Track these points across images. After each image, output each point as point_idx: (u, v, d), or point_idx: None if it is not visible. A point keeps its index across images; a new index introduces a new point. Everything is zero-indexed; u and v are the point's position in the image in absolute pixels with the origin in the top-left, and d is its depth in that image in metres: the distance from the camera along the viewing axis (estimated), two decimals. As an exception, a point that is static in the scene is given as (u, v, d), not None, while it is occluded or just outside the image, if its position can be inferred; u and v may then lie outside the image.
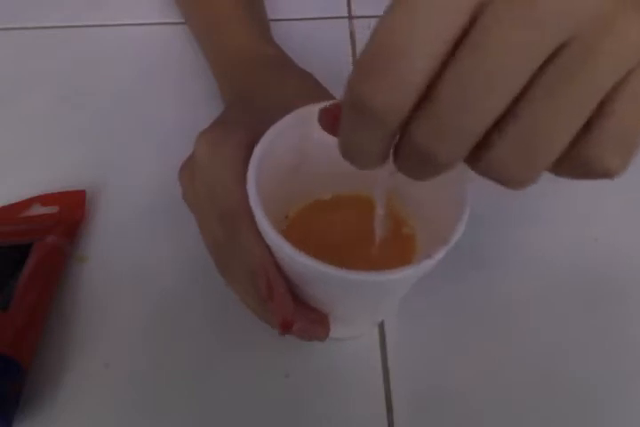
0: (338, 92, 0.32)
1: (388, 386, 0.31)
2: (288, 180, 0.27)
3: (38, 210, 0.36)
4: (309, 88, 0.32)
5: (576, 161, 0.17)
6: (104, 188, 0.38)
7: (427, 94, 0.15)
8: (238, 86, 0.35)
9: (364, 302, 0.28)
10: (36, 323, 0.31)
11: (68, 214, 0.36)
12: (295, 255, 0.22)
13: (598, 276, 0.35)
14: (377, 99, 0.15)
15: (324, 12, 0.46)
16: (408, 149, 0.17)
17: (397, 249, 0.29)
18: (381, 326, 0.33)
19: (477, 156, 0.17)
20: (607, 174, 0.17)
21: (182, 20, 0.45)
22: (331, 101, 0.21)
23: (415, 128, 0.16)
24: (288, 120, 0.24)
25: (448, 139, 0.16)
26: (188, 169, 0.29)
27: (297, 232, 0.29)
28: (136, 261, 0.35)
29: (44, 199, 0.36)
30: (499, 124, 0.16)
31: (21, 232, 0.35)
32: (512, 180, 0.17)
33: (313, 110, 0.24)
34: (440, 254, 0.22)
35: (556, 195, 0.38)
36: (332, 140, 0.25)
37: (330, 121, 0.19)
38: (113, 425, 0.30)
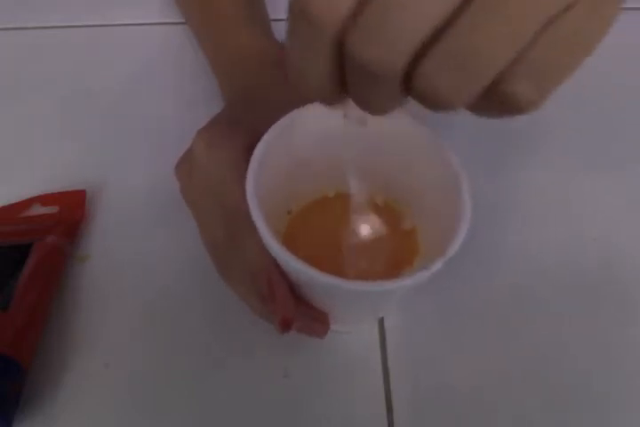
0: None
1: (388, 386, 0.31)
2: (290, 177, 0.27)
3: (38, 210, 0.36)
4: None
5: (492, 92, 0.16)
6: (104, 188, 0.38)
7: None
8: (238, 85, 0.35)
9: (363, 305, 0.28)
10: (36, 323, 0.31)
11: (68, 214, 0.36)
12: (292, 262, 0.22)
13: (597, 276, 0.35)
14: (311, 5, 0.15)
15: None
16: (348, 64, 0.16)
17: (399, 244, 0.29)
18: (381, 325, 0.33)
19: (411, 74, 0.16)
20: (519, 107, 0.16)
21: (182, 20, 0.45)
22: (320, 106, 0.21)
23: (351, 35, 0.15)
24: (287, 120, 0.24)
25: (383, 42, 0.15)
26: (186, 164, 0.29)
27: (299, 229, 0.29)
28: (136, 260, 0.35)
29: (44, 199, 0.36)
30: (434, 39, 0.15)
31: (21, 232, 0.35)
32: (438, 100, 0.16)
33: (313, 109, 0.24)
34: (437, 266, 0.22)
35: (556, 194, 0.38)
36: (331, 140, 0.25)
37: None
38: (113, 425, 0.30)
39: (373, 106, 0.18)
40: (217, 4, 0.39)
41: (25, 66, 0.44)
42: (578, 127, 0.41)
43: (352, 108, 0.19)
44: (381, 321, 0.33)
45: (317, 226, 0.30)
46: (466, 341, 0.33)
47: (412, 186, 0.28)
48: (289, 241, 0.29)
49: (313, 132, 0.25)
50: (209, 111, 0.30)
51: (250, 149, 0.24)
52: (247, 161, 0.24)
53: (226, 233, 0.27)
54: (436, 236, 0.25)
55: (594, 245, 0.36)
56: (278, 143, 0.24)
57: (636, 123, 0.42)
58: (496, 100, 0.16)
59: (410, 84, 0.16)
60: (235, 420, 0.30)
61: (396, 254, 0.29)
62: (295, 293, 0.26)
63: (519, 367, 0.32)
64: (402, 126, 0.25)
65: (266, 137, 0.24)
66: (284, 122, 0.24)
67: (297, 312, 0.26)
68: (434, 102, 0.16)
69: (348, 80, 0.17)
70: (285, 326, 0.28)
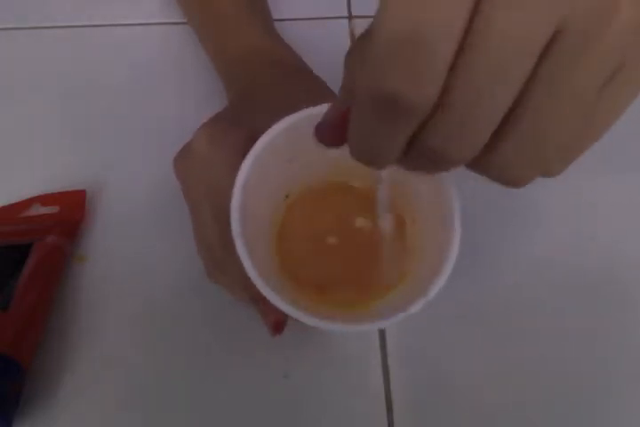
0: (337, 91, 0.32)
1: (388, 386, 0.31)
2: (286, 170, 0.27)
3: (38, 210, 0.36)
4: (311, 87, 0.32)
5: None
6: (104, 188, 0.38)
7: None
8: (240, 85, 0.35)
9: None
10: (36, 323, 0.31)
11: (68, 214, 0.36)
12: (273, 300, 0.22)
13: (597, 275, 0.35)
14: (406, 90, 0.14)
15: (324, 12, 0.46)
16: (419, 147, 0.16)
17: (391, 237, 0.29)
18: (381, 326, 0.33)
19: (478, 156, 0.16)
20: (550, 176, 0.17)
21: (183, 20, 0.45)
22: (321, 108, 0.21)
23: (431, 128, 0.15)
24: (283, 125, 0.24)
25: (461, 137, 0.15)
26: (185, 159, 0.29)
27: (296, 216, 0.29)
28: (136, 260, 0.35)
29: (43, 199, 0.36)
30: (501, 125, 0.15)
31: (21, 232, 0.35)
32: (513, 179, 0.17)
33: (312, 112, 0.24)
34: (416, 308, 0.22)
35: (555, 194, 0.38)
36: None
37: (329, 132, 0.19)
38: (113, 425, 0.30)
39: (428, 173, 0.18)
40: (217, 4, 0.39)
41: (25, 66, 0.43)
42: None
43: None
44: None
45: (314, 217, 0.30)
46: (466, 341, 0.33)
47: (411, 195, 0.28)
48: (285, 231, 0.29)
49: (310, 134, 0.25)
50: (210, 111, 0.30)
51: (248, 148, 0.24)
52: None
53: (220, 234, 0.27)
54: (432, 245, 0.25)
55: (594, 244, 0.36)
56: (272, 151, 0.24)
57: (636, 123, 0.42)
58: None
59: (474, 164, 0.17)
60: (235, 420, 0.30)
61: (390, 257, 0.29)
62: None
63: (519, 367, 0.32)
64: None
65: (258, 144, 0.24)
66: (279, 126, 0.24)
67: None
68: (508, 179, 0.17)
69: (413, 156, 0.17)
70: (277, 328, 0.28)
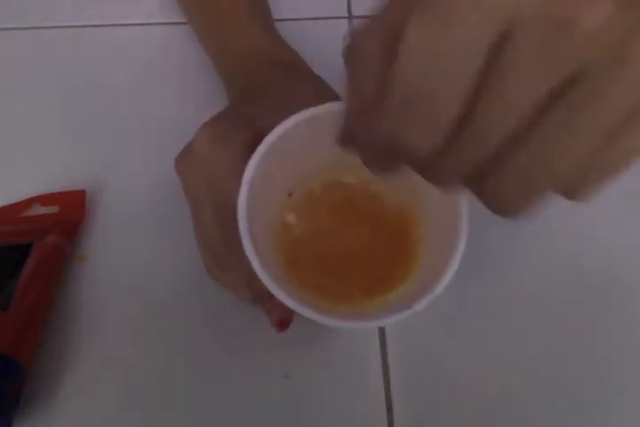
0: (338, 92, 0.32)
1: (388, 386, 0.31)
2: (289, 168, 0.27)
3: (38, 210, 0.36)
4: (311, 87, 0.32)
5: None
6: (104, 188, 0.38)
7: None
8: (240, 85, 0.35)
9: None
10: (36, 323, 0.31)
11: (68, 214, 0.36)
12: (281, 297, 0.22)
13: (596, 275, 0.35)
14: (412, 142, 0.16)
15: (324, 12, 0.46)
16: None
17: (396, 235, 0.29)
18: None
19: (478, 186, 0.17)
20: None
21: (183, 20, 0.45)
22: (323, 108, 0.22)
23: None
24: (287, 124, 0.24)
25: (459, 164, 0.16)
26: (186, 158, 0.29)
27: (299, 214, 0.29)
28: (136, 260, 0.35)
29: (43, 199, 0.36)
30: (500, 155, 0.16)
31: (21, 232, 0.35)
32: (507, 208, 0.18)
33: (314, 112, 0.24)
34: (422, 305, 0.22)
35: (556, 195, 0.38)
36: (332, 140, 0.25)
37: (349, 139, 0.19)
38: (113, 425, 0.30)
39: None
40: (217, 4, 0.39)
41: (25, 66, 0.43)
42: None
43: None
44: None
45: (317, 215, 0.30)
46: (466, 341, 0.33)
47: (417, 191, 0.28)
48: (288, 229, 0.29)
49: (316, 133, 0.25)
50: (210, 111, 0.30)
51: (249, 148, 0.24)
52: (246, 160, 0.24)
53: (221, 232, 0.27)
54: (437, 240, 0.25)
55: (593, 244, 0.36)
56: (278, 148, 0.24)
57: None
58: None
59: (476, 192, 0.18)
60: (234, 420, 0.30)
61: (393, 246, 0.29)
62: None
63: (519, 367, 0.32)
64: None
65: (260, 149, 0.24)
66: (284, 126, 0.24)
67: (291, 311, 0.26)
68: (502, 208, 0.18)
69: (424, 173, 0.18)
70: (283, 325, 0.28)
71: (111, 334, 0.32)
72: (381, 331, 0.33)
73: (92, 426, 0.30)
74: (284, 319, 0.29)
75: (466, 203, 0.24)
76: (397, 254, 0.28)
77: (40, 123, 0.41)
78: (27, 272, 0.32)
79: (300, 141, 0.25)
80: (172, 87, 0.42)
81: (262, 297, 0.27)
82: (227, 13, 0.38)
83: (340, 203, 0.30)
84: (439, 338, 0.33)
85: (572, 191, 0.17)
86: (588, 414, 0.31)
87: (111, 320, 0.33)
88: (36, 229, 0.35)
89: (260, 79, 0.33)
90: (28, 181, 0.37)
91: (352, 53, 0.17)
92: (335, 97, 0.30)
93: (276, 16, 0.41)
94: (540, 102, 0.15)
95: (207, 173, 0.27)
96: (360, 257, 0.29)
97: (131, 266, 0.35)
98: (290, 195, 0.29)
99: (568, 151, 0.15)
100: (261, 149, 0.24)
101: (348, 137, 0.19)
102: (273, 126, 0.24)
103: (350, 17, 0.46)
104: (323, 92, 0.32)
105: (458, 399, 0.31)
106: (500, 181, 0.16)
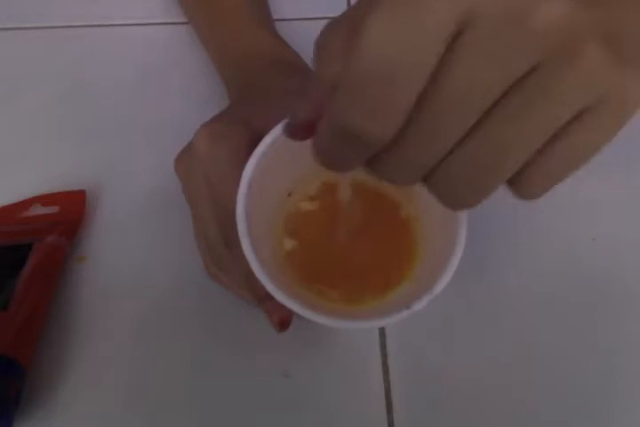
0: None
1: (388, 386, 0.31)
2: (288, 169, 0.27)
3: (38, 210, 0.36)
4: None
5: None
6: (104, 188, 0.38)
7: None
8: (240, 85, 0.35)
9: None
10: (36, 323, 0.31)
11: (68, 214, 0.36)
12: (281, 298, 0.22)
13: (597, 275, 0.35)
14: (367, 128, 0.15)
15: (324, 12, 0.46)
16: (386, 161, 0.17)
17: (394, 234, 0.29)
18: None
19: (430, 175, 0.17)
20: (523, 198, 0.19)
21: (185, 20, 0.45)
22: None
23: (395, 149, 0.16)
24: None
25: (411, 165, 0.17)
26: (186, 159, 0.29)
27: (298, 214, 0.29)
28: (136, 260, 0.35)
29: (43, 199, 0.36)
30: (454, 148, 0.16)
31: (21, 232, 0.35)
32: (457, 200, 0.18)
33: None
34: (421, 305, 0.22)
35: (554, 194, 0.38)
36: None
37: (300, 131, 0.19)
38: (113, 425, 0.30)
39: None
40: (218, 4, 0.39)
41: (25, 66, 0.43)
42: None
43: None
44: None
45: (316, 215, 0.30)
46: (465, 341, 0.33)
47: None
48: (287, 229, 0.29)
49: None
50: (210, 111, 0.30)
51: (249, 148, 0.24)
52: (246, 160, 0.24)
53: (221, 231, 0.27)
54: (437, 233, 0.25)
55: (593, 244, 0.36)
56: (276, 148, 0.24)
57: (637, 123, 0.42)
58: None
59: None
60: (235, 420, 0.30)
61: (394, 245, 0.29)
62: None
63: (519, 367, 0.32)
64: None
65: (256, 154, 0.24)
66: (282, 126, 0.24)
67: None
68: (452, 200, 0.18)
69: (379, 168, 0.18)
70: (283, 325, 0.28)
71: (111, 334, 0.32)
72: (381, 331, 0.33)
73: (92, 426, 0.30)
74: (284, 319, 0.29)
75: None
76: (397, 254, 0.28)
77: (40, 123, 0.41)
78: (27, 272, 0.32)
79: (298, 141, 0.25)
80: (172, 87, 0.42)
81: (262, 297, 0.27)
82: (228, 14, 0.38)
83: (339, 203, 0.30)
84: (439, 338, 0.33)
85: (520, 187, 0.18)
86: (588, 414, 0.31)
87: (111, 320, 0.33)
88: (36, 229, 0.35)
89: (260, 80, 0.33)
90: (27, 181, 0.37)
91: (318, 47, 0.17)
92: None
93: (276, 16, 0.41)
94: (495, 93, 0.15)
95: (206, 172, 0.27)
96: (360, 257, 0.29)
97: (131, 266, 0.35)
98: (289, 195, 0.29)
99: (517, 144, 0.16)
100: (261, 148, 0.24)
101: (305, 130, 0.19)
102: (273, 126, 0.24)
103: (350, 17, 0.46)
104: None
105: (457, 399, 0.31)
106: (452, 172, 0.17)
